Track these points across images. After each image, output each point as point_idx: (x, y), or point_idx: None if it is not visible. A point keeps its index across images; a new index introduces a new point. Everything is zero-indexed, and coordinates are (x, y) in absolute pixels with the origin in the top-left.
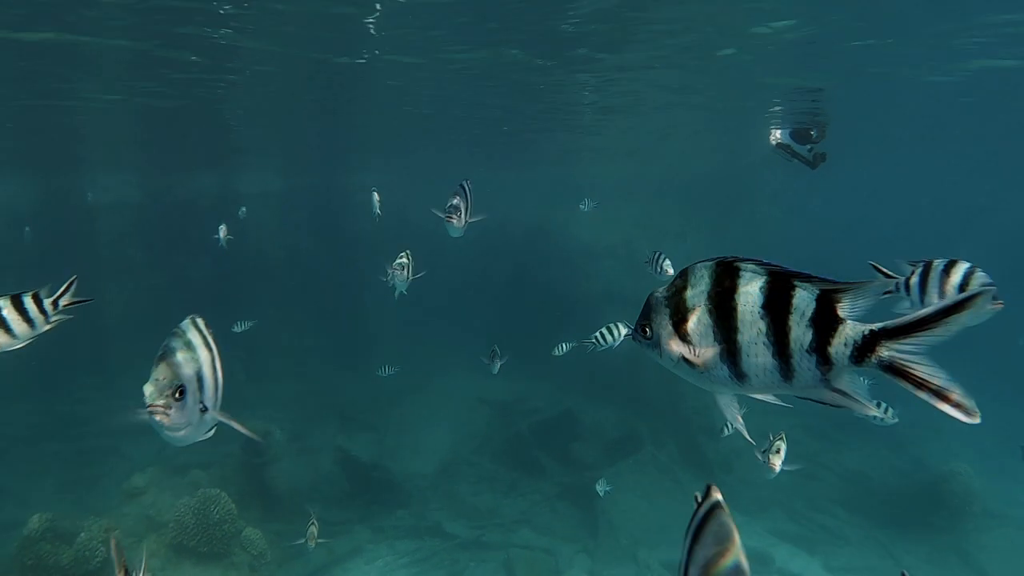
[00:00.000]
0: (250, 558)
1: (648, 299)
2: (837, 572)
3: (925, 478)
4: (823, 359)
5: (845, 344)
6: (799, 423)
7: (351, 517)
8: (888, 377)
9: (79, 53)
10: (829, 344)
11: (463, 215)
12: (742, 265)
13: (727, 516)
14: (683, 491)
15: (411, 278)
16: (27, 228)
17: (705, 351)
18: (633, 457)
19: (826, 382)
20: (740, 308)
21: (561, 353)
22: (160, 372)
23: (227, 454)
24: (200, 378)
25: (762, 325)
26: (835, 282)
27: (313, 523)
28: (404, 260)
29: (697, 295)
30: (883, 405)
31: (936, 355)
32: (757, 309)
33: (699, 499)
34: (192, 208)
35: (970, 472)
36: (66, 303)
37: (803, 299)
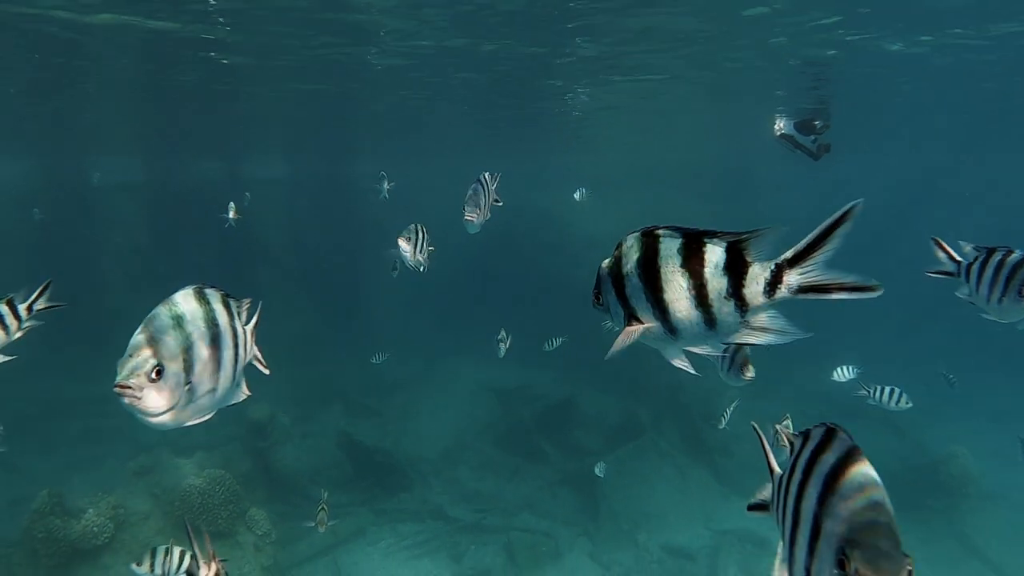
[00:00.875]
0: (255, 538)
1: (598, 270)
2: None
3: (923, 461)
4: (740, 301)
5: (757, 283)
6: (797, 410)
7: (354, 500)
8: (803, 297)
9: (86, 33)
10: (743, 286)
11: (482, 212)
12: (661, 231)
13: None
14: (684, 477)
15: (421, 254)
16: (36, 210)
17: (642, 311)
18: (634, 443)
19: (746, 323)
20: (663, 268)
21: (551, 348)
22: (134, 347)
23: (232, 436)
24: (190, 356)
25: (683, 281)
26: (739, 233)
27: (323, 508)
28: (412, 233)
29: (629, 262)
30: (897, 391)
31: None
32: (677, 267)
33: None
34: (198, 193)
35: (967, 455)
36: (40, 307)
37: (714, 252)
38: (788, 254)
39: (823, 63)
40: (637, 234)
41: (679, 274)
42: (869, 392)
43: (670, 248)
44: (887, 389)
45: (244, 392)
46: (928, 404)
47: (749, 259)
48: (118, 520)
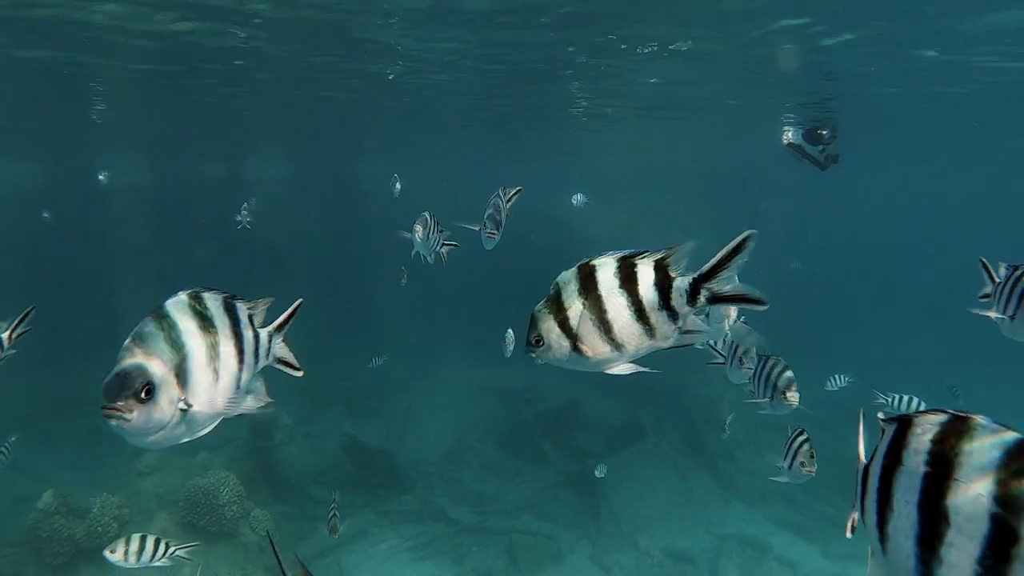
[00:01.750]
0: (258, 538)
1: (532, 314)
2: (835, 560)
3: None
4: (670, 311)
5: (680, 295)
6: (798, 414)
7: (356, 501)
8: (714, 305)
9: (92, 36)
10: (670, 299)
11: (500, 229)
12: (594, 262)
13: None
14: (685, 480)
15: (436, 244)
16: (45, 214)
17: (588, 336)
18: (636, 446)
19: (678, 328)
20: (604, 292)
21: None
22: (124, 365)
23: (235, 437)
24: (184, 369)
25: (623, 299)
26: (661, 251)
27: (335, 514)
28: (426, 221)
29: (570, 294)
30: (916, 399)
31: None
32: (616, 289)
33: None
34: (203, 194)
35: None
36: (18, 335)
37: (645, 271)
38: (703, 269)
39: (831, 79)
40: (572, 270)
41: (619, 294)
42: (887, 400)
43: (607, 273)
44: (905, 398)
45: (260, 400)
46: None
47: (672, 274)
48: (122, 520)
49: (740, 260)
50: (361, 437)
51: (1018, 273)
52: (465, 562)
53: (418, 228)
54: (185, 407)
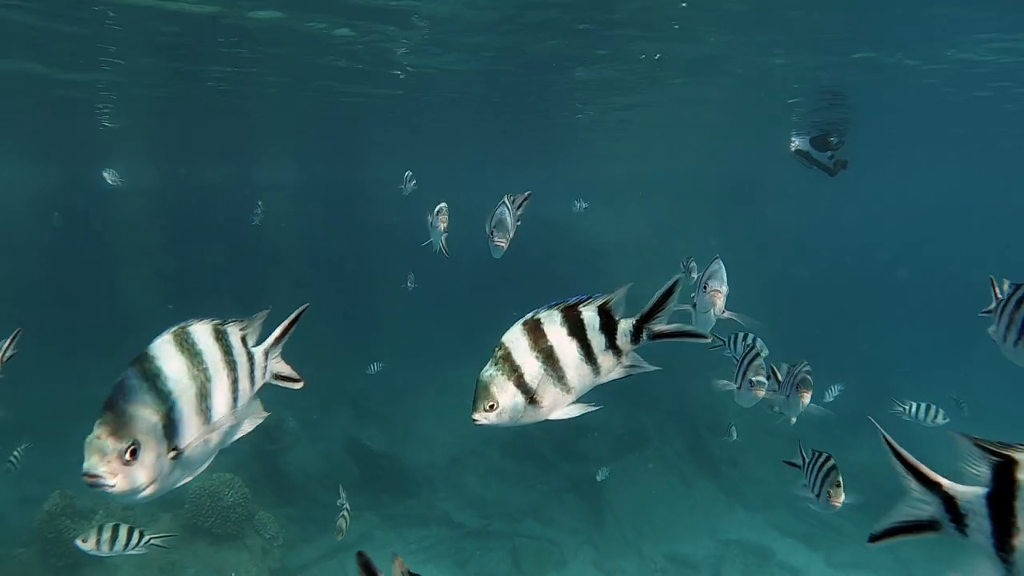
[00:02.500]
0: (263, 540)
1: (478, 383)
2: (838, 568)
3: None
4: (616, 350)
5: (624, 335)
6: (803, 421)
7: (361, 504)
8: (656, 341)
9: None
10: (615, 339)
11: (509, 236)
12: (539, 315)
13: None
14: (688, 486)
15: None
16: (56, 214)
17: (544, 388)
18: (639, 452)
19: (622, 363)
20: (555, 343)
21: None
22: (103, 428)
23: (241, 440)
24: (173, 419)
25: (573, 346)
26: (602, 296)
27: (344, 515)
28: (443, 210)
29: (521, 352)
30: (933, 407)
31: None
32: (565, 337)
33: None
34: (211, 198)
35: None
36: (7, 358)
37: (590, 317)
38: (643, 311)
39: (839, 87)
40: (516, 328)
41: (568, 342)
42: (904, 408)
43: (554, 324)
44: (923, 405)
45: (258, 417)
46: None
47: (616, 317)
48: (128, 521)
49: (672, 305)
50: (366, 441)
51: (1019, 295)
52: (469, 566)
53: (442, 218)
54: (176, 455)
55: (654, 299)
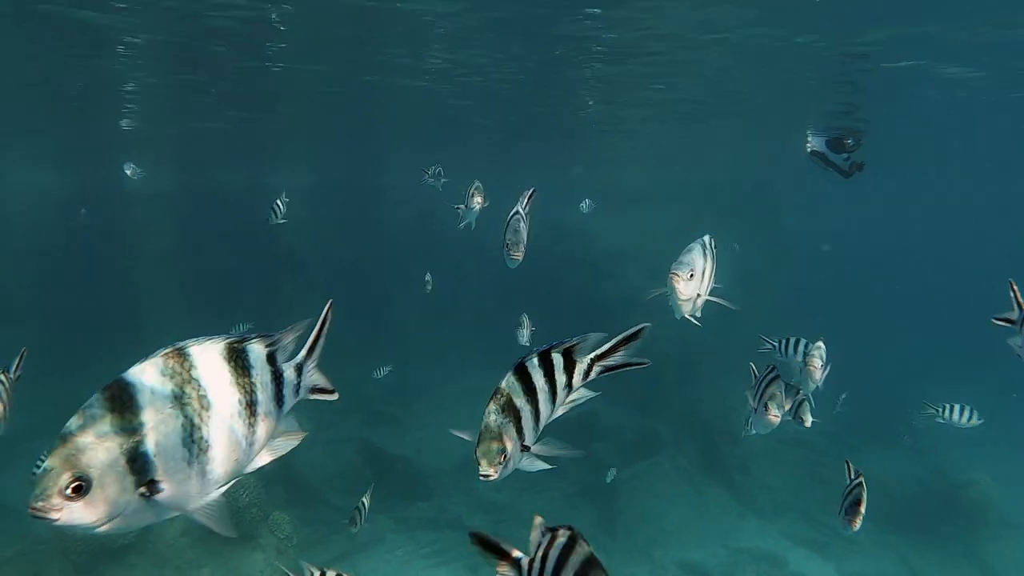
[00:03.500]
0: (276, 541)
1: (488, 432)
2: None
3: (943, 486)
4: (570, 387)
5: (580, 373)
6: (819, 429)
7: (373, 507)
8: (607, 375)
9: (113, 39)
10: (573, 377)
11: (524, 247)
12: (524, 361)
13: None
14: (701, 494)
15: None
16: (83, 210)
17: (529, 431)
18: (652, 459)
19: (570, 399)
20: (537, 387)
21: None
22: (54, 458)
23: None
24: (141, 454)
25: (545, 387)
26: (568, 341)
27: (358, 508)
28: (479, 189)
29: (518, 396)
30: (968, 408)
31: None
32: (542, 378)
33: None
34: (227, 201)
35: (988, 481)
36: (16, 378)
37: (556, 359)
38: (600, 351)
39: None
40: (511, 375)
41: (544, 384)
42: (937, 411)
43: (536, 371)
44: (956, 407)
45: (292, 439)
46: (949, 428)
47: (575, 358)
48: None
49: (636, 344)
50: (379, 444)
51: None
52: (480, 570)
53: (477, 198)
54: (148, 493)
55: (614, 341)
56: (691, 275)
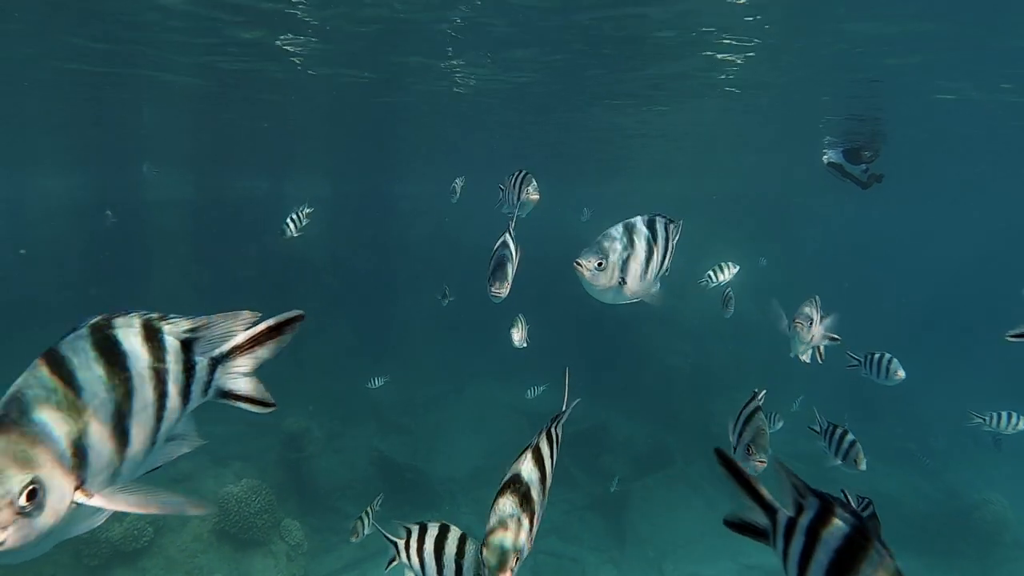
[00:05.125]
0: (287, 547)
1: (503, 551)
2: None
3: (956, 506)
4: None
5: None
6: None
7: (384, 516)
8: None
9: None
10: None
11: (508, 284)
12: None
13: None
14: (711, 508)
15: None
16: (108, 212)
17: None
18: (663, 472)
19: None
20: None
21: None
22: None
23: (268, 447)
24: (83, 447)
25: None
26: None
27: (361, 518)
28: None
29: (535, 490)
30: (1015, 414)
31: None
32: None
33: None
34: (242, 209)
35: (1003, 502)
36: None
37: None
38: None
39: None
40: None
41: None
42: (985, 420)
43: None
44: (1004, 414)
45: (187, 444)
46: (964, 448)
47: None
48: (157, 524)
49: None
50: (390, 452)
51: None
52: None
53: (532, 194)
54: (81, 499)
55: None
56: (599, 264)
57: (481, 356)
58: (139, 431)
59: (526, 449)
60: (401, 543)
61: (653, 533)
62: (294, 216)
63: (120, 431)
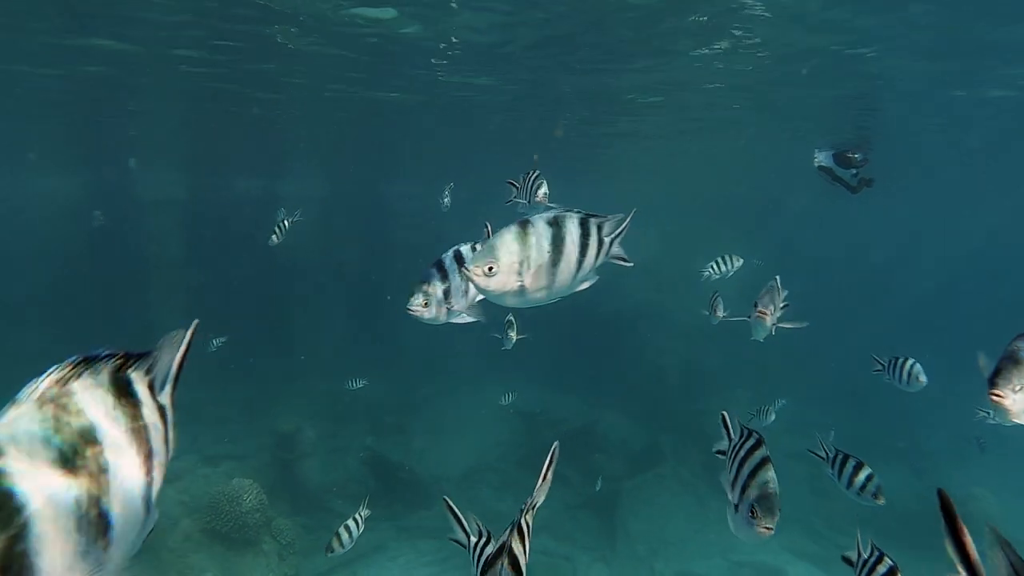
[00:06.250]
0: (279, 547)
1: None
2: None
3: None
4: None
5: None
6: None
7: (376, 515)
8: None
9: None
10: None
11: (444, 307)
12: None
13: None
14: (703, 506)
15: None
16: (97, 212)
17: None
18: (655, 470)
19: None
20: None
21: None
22: None
23: (260, 447)
24: (15, 564)
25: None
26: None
27: (346, 526)
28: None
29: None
30: None
31: None
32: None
33: None
34: (235, 209)
35: (989, 497)
36: None
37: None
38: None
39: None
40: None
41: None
42: (988, 414)
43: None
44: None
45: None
46: (953, 445)
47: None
48: None
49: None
50: (383, 452)
51: None
52: None
53: (543, 197)
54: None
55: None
56: (490, 268)
57: (473, 356)
58: (125, 509)
59: (500, 549)
60: (472, 540)
61: (645, 531)
62: (280, 224)
63: (90, 522)
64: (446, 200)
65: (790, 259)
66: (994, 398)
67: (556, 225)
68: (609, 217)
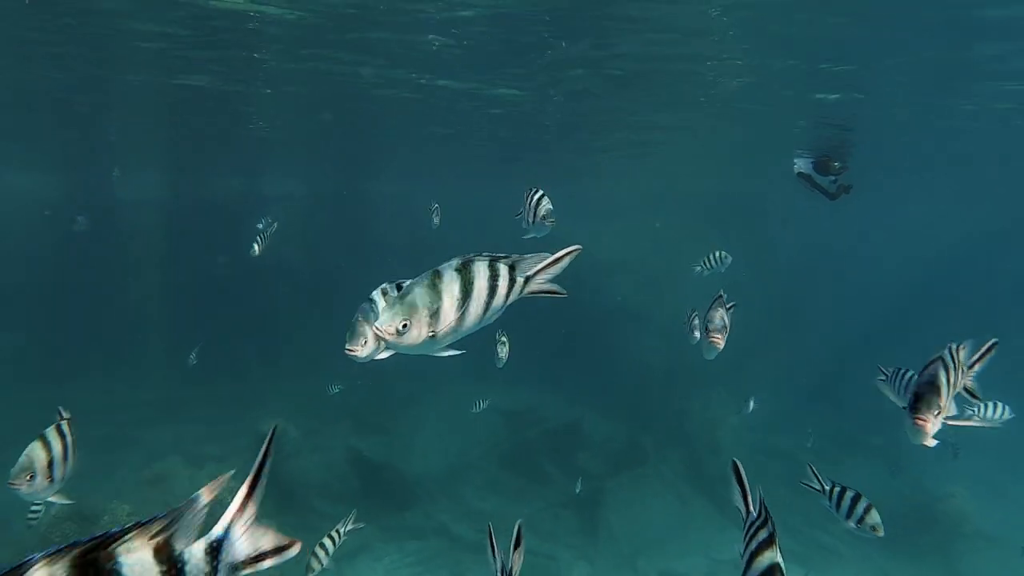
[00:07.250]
0: None
1: None
2: None
3: (921, 499)
4: None
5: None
6: (800, 445)
7: (360, 515)
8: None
9: (110, 46)
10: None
11: (370, 342)
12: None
13: None
14: (685, 505)
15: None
16: (79, 217)
17: None
18: (637, 469)
19: None
20: None
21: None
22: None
23: (243, 448)
24: None
25: None
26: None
27: (328, 538)
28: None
29: None
30: (997, 403)
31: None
32: None
33: None
34: (216, 209)
35: (964, 494)
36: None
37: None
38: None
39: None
40: None
41: None
42: (975, 411)
43: None
44: (990, 404)
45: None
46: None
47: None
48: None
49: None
50: (366, 452)
51: None
52: None
53: (549, 219)
54: None
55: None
56: (404, 324)
57: (459, 358)
58: None
59: None
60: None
61: (627, 530)
62: (261, 234)
63: None
64: (435, 220)
65: (766, 258)
66: (918, 422)
67: (465, 270)
68: (526, 257)
